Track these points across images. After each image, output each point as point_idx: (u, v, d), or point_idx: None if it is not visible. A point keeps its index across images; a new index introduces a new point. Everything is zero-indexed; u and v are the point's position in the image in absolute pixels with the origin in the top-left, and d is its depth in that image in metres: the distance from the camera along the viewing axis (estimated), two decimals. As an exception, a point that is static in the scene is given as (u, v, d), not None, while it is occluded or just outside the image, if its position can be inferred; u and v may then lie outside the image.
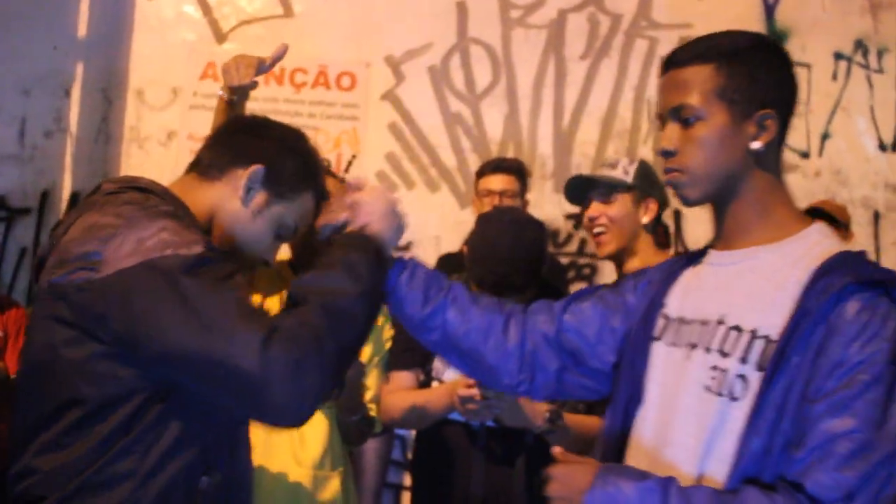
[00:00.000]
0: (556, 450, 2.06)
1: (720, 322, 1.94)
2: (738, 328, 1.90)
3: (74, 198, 6.56)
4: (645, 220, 3.29)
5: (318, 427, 3.27)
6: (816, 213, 3.97)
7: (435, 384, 3.31)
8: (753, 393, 1.83)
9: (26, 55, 6.67)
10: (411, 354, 3.34)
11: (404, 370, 3.33)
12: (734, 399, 1.86)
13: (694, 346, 1.98)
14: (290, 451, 3.22)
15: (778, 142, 1.98)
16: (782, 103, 1.96)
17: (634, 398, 2.11)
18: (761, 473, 1.78)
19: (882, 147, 6.27)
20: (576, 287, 6.12)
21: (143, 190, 2.14)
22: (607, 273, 6.12)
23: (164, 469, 1.96)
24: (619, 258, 3.31)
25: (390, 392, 3.31)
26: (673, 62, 2.01)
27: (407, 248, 6.44)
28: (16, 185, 6.62)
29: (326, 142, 6.62)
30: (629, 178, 3.26)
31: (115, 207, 2.02)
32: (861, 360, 1.73)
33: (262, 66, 3.00)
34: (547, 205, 6.37)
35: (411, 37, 6.62)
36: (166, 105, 6.59)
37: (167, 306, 1.85)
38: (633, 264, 3.25)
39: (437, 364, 3.31)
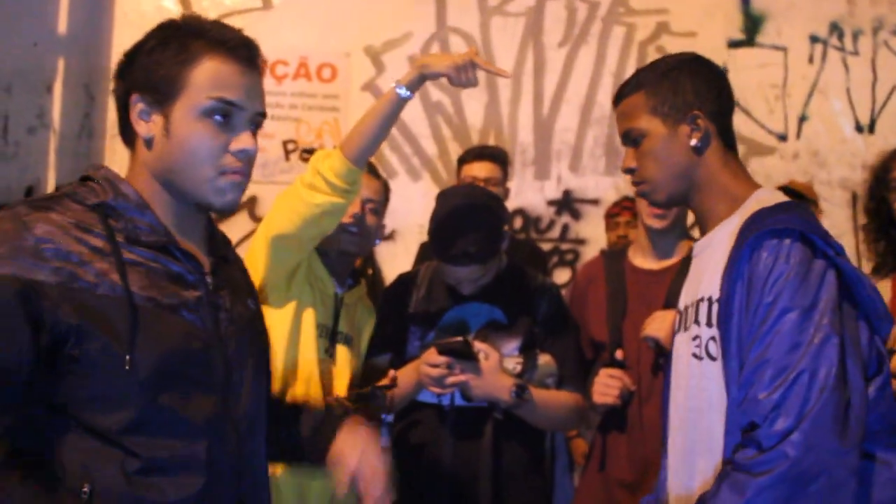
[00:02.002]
0: None
1: (699, 300, 2.25)
2: (702, 299, 2.22)
3: (58, 193, 6.56)
4: None
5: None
6: (786, 191, 4.03)
7: None
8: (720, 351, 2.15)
9: (7, 52, 6.66)
10: (387, 342, 3.38)
11: (379, 356, 3.37)
12: (713, 359, 2.17)
13: (687, 327, 2.30)
14: None
15: (719, 132, 2.31)
16: (708, 102, 2.29)
17: (666, 385, 2.44)
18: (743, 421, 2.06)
19: (859, 128, 6.33)
20: (559, 273, 6.18)
21: (86, 179, 1.98)
22: (590, 258, 6.15)
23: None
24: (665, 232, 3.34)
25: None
26: (617, 98, 2.40)
27: (391, 236, 6.48)
28: (0, 183, 6.63)
29: (308, 133, 6.65)
30: None
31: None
32: (771, 300, 2.03)
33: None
34: (528, 192, 6.42)
35: (391, 26, 6.64)
36: (148, 99, 6.59)
37: None
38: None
39: (411, 349, 3.35)
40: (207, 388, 1.95)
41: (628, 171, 2.37)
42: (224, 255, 2.14)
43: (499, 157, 4.69)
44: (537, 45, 6.60)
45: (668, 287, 3.25)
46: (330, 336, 3.30)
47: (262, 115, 2.03)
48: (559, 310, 3.39)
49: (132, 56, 1.98)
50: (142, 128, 1.95)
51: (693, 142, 2.27)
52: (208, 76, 1.93)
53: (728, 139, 2.34)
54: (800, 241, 2.06)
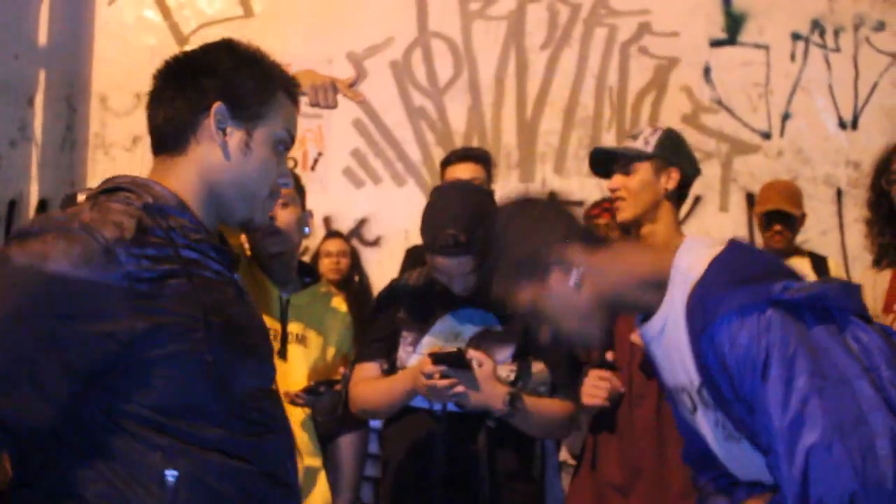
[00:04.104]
0: None
1: (683, 389, 2.16)
2: (684, 389, 2.12)
3: (42, 205, 6.54)
4: (668, 187, 3.28)
5: (294, 419, 3.30)
6: (772, 216, 3.98)
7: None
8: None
9: (-13, 65, 6.66)
10: (376, 345, 3.37)
11: (369, 361, 3.36)
12: (736, 439, 2.07)
13: (694, 411, 2.18)
14: None
15: None
16: None
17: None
18: None
19: (842, 125, 6.33)
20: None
21: (111, 191, 1.97)
22: (576, 260, 6.16)
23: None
24: (636, 225, 3.30)
25: (356, 383, 3.34)
26: None
27: (376, 242, 6.47)
28: (-18, 196, 6.61)
29: (292, 140, 6.63)
30: (649, 148, 3.23)
31: None
32: (765, 375, 1.87)
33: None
34: (513, 194, 6.38)
35: (372, 32, 6.64)
36: (130, 110, 6.58)
37: None
38: (651, 229, 3.27)
39: (402, 354, 3.34)
40: (251, 378, 2.01)
41: None
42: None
43: (482, 158, 4.68)
44: (519, 47, 6.60)
45: None
46: (281, 339, 3.34)
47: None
48: None
49: (207, 67, 2.05)
50: (219, 137, 2.02)
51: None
52: (283, 109, 2.09)
53: None
54: (756, 309, 1.91)
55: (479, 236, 3.15)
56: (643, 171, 3.23)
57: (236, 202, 2.07)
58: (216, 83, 2.02)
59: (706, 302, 1.95)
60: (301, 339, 3.38)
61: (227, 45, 2.10)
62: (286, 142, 2.09)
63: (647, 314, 2.14)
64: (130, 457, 1.81)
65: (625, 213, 3.27)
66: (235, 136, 2.02)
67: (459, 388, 3.09)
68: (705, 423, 2.14)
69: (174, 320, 1.82)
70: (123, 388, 1.81)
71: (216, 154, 2.02)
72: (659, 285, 2.08)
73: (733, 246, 2.05)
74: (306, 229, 3.49)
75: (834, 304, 1.94)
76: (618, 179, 3.27)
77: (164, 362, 1.82)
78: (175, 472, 1.81)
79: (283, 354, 3.33)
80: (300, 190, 3.48)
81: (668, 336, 2.07)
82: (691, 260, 2.06)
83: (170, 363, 1.82)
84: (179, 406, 1.85)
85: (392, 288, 3.50)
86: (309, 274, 3.58)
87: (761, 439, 1.93)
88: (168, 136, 2.05)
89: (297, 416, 3.28)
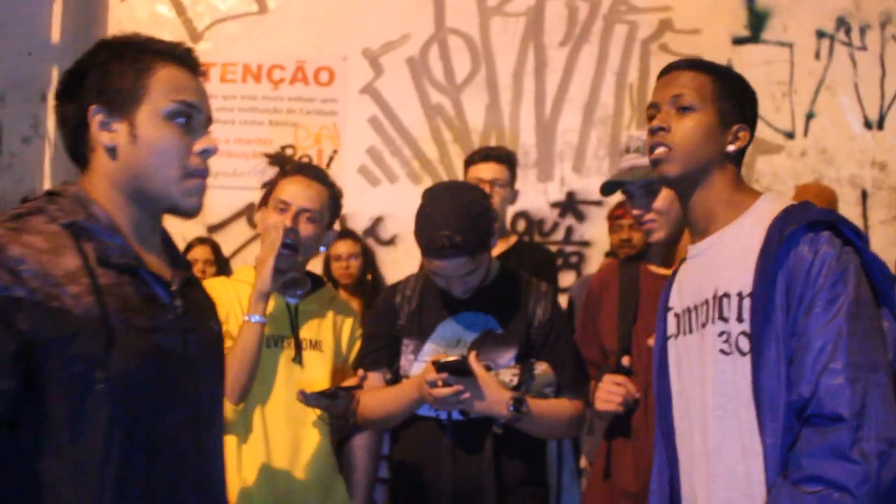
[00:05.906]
0: None
1: (715, 296, 2.29)
2: (727, 294, 2.26)
3: (54, 203, 6.50)
4: None
5: (313, 438, 3.27)
6: None
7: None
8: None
9: (0, 62, 6.61)
10: (379, 354, 3.33)
11: (372, 371, 3.30)
12: (743, 354, 2.20)
13: (705, 324, 2.31)
14: (288, 466, 3.21)
15: (743, 151, 2.43)
16: (752, 128, 2.43)
17: (664, 394, 2.47)
18: (780, 413, 2.14)
19: (867, 125, 6.25)
20: (564, 276, 6.09)
21: (52, 194, 2.00)
22: (595, 260, 6.10)
23: None
24: (670, 241, 3.20)
25: (361, 394, 3.29)
26: (675, 66, 2.47)
27: (392, 241, 6.40)
28: (-6, 193, 6.58)
29: (307, 138, 6.58)
30: None
31: None
32: (816, 291, 2.13)
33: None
34: (531, 193, 6.33)
35: (388, 29, 6.58)
36: (143, 107, 6.53)
37: None
38: (685, 242, 3.17)
39: (404, 362, 3.29)
40: (176, 407, 1.99)
41: (660, 128, 2.36)
42: (188, 276, 2.16)
43: (505, 158, 4.64)
44: (538, 44, 6.53)
45: None
46: (295, 346, 3.32)
47: (211, 119, 2.12)
48: (554, 315, 3.32)
49: (82, 72, 2.03)
50: (105, 138, 1.98)
51: (731, 148, 2.36)
52: (167, 82, 2.01)
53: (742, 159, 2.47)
54: (832, 232, 2.18)
55: (475, 235, 3.09)
56: (664, 189, 3.14)
57: (151, 194, 2.01)
58: (87, 87, 2.00)
59: (799, 212, 2.23)
60: (315, 345, 3.33)
61: (97, 45, 2.06)
62: (182, 112, 2.01)
63: (700, 230, 2.40)
64: None
65: (659, 233, 3.15)
66: (122, 131, 1.98)
67: (464, 396, 3.05)
68: (698, 345, 2.33)
69: (74, 340, 1.81)
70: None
71: (106, 157, 2.00)
72: (736, 208, 2.34)
73: None
74: (322, 248, 3.43)
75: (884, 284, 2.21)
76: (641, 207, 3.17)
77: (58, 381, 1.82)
78: None
79: (298, 361, 3.28)
80: (335, 208, 3.39)
81: (725, 247, 2.31)
82: (782, 198, 2.40)
83: (64, 383, 1.82)
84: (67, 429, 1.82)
85: (389, 294, 3.44)
86: (314, 280, 3.51)
87: (788, 345, 2.14)
88: (75, 155, 2.06)
89: (309, 415, 3.26)
